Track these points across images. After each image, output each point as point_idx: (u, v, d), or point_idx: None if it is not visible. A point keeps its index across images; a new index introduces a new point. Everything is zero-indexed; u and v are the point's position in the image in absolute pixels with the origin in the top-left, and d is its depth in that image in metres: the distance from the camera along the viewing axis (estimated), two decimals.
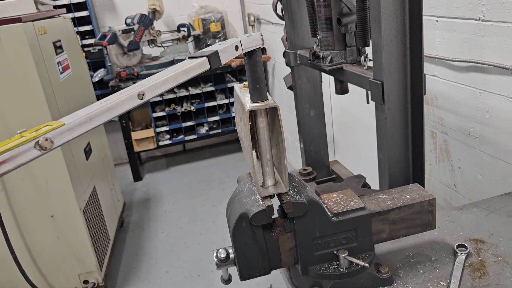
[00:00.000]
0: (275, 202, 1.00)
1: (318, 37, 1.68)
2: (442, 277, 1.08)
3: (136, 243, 3.54)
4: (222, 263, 1.04)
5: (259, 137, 0.98)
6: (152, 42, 4.41)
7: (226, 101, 4.68)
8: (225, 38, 4.81)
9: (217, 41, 4.75)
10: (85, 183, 2.82)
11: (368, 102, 1.59)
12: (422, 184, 1.44)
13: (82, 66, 3.31)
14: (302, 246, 1.04)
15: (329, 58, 1.62)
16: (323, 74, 1.91)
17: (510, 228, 1.24)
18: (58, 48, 2.76)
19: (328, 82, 2.98)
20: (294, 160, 4.37)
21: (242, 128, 1.04)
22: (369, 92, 1.56)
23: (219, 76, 4.62)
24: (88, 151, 2.98)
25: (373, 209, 1.09)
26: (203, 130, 4.76)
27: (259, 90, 0.95)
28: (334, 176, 2.24)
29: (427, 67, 2.07)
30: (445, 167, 2.12)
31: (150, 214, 3.97)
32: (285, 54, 2.09)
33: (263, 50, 4.58)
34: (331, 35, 1.62)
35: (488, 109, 1.79)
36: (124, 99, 0.75)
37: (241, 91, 1.07)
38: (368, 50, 1.57)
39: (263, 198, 0.99)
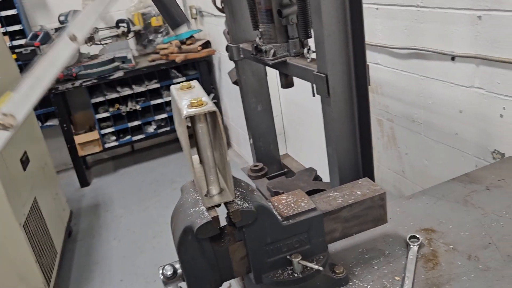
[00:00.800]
0: (222, 211, 0.94)
1: (260, 30, 1.63)
2: (397, 271, 1.06)
3: (86, 252, 3.37)
4: (169, 280, 0.97)
5: (200, 144, 0.92)
6: (90, 40, 4.19)
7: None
8: (168, 33, 4.66)
9: (159, 36, 4.59)
10: (24, 196, 2.63)
11: (314, 95, 1.56)
12: (372, 176, 1.43)
13: (11, 70, 3.08)
14: (254, 254, 0.99)
15: (272, 51, 1.57)
16: (268, 67, 1.86)
17: (458, 214, 1.25)
18: None
19: (274, 74, 2.95)
20: (248, 155, 4.32)
21: (181, 133, 0.96)
22: (314, 86, 1.53)
23: (164, 73, 4.48)
24: (25, 161, 2.78)
25: (325, 208, 1.05)
26: (150, 129, 4.61)
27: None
28: (285, 170, 2.20)
29: (370, 55, 2.07)
30: (393, 154, 2.15)
31: (100, 221, 3.80)
32: (227, 48, 2.02)
33: (208, 44, 4.48)
34: (272, 27, 1.56)
35: (430, 95, 1.81)
36: (60, 46, 0.68)
37: (178, 93, 1.00)
38: (311, 42, 1.54)
39: (208, 208, 0.92)
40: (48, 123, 4.42)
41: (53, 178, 3.43)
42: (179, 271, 0.97)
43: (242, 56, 1.95)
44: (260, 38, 1.65)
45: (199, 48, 4.30)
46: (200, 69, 4.55)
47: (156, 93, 4.51)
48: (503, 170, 1.42)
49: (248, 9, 1.73)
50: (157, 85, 4.43)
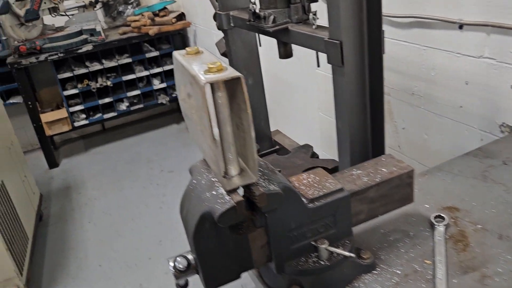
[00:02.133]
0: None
1: None
2: (425, 254, 0.98)
3: (59, 237, 3.19)
4: (182, 273, 0.85)
5: (219, 117, 0.79)
6: (54, 10, 3.89)
7: (146, 73, 4.31)
8: (138, 4, 4.40)
9: (129, 7, 4.33)
10: None
11: (318, 65, 1.44)
12: (383, 151, 1.34)
13: None
14: (276, 241, 0.88)
15: (272, 17, 1.44)
16: (263, 36, 1.72)
17: (479, 190, 1.18)
18: None
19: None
20: None
21: (194, 106, 0.83)
22: (319, 54, 1.41)
23: (135, 46, 4.22)
24: None
25: (351, 188, 0.95)
26: (123, 106, 4.38)
27: None
28: (277, 147, 2.10)
29: None
30: (389, 129, 2.07)
31: (73, 204, 3.60)
32: (216, 16, 1.86)
33: (182, 16, 4.26)
34: None
35: (433, 67, 1.73)
36: None
37: (186, 59, 0.86)
38: (314, 7, 1.41)
39: (229, 192, 0.80)
40: (11, 101, 4.12)
41: (21, 159, 3.19)
42: (193, 263, 0.86)
43: (232, 24, 1.80)
44: (253, 4, 1.51)
45: (174, 20, 4.07)
46: (175, 43, 4.33)
47: (128, 68, 4.27)
48: None
49: None
50: (129, 60, 4.19)
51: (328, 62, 1.22)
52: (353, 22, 1.17)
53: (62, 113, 4.11)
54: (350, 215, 0.94)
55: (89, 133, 4.82)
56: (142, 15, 4.08)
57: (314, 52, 1.37)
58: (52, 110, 4.15)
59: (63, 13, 3.98)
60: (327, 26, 1.24)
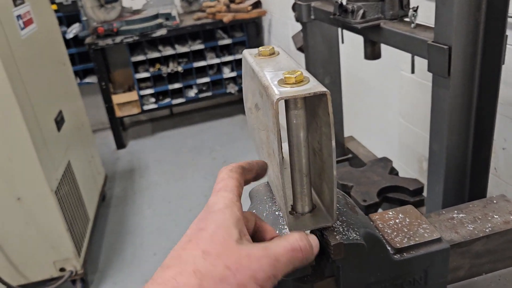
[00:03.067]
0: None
1: None
2: None
3: (119, 220, 3.21)
4: None
5: (291, 140, 0.62)
6: None
7: (217, 60, 4.23)
8: None
9: None
10: (57, 159, 2.44)
11: (413, 72, 1.22)
12: (485, 186, 1.11)
13: (50, 21, 2.84)
14: None
15: (361, 12, 1.23)
16: (347, 32, 1.51)
17: None
18: None
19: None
20: None
21: (262, 121, 0.66)
22: (414, 59, 1.19)
23: (208, 33, 4.15)
24: (60, 121, 2.58)
25: (450, 238, 0.75)
26: (191, 93, 4.34)
27: None
28: (350, 155, 1.89)
29: None
30: None
31: (135, 187, 3.62)
32: (295, 7, 1.68)
33: (258, 4, 4.10)
34: None
35: None
36: None
37: (257, 62, 0.69)
38: (414, 2, 1.19)
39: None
40: (86, 80, 4.22)
41: (90, 139, 3.24)
42: None
43: (313, 17, 1.61)
44: None
45: (249, 7, 3.93)
46: (248, 31, 4.20)
47: (199, 55, 4.22)
48: None
49: None
50: (201, 46, 4.12)
51: (429, 70, 1.00)
52: (467, 23, 0.94)
53: (132, 95, 4.15)
54: (446, 271, 0.74)
55: (158, 117, 4.86)
56: (218, 1, 3.99)
57: (398, 50, 1.16)
58: (123, 92, 4.21)
59: None
60: (430, 26, 1.02)
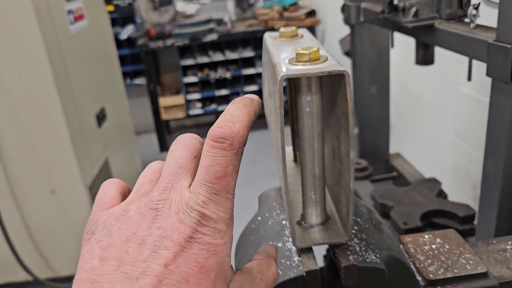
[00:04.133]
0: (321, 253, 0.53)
1: None
2: None
3: None
4: None
5: (302, 132, 0.51)
6: None
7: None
8: None
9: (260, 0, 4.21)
10: (95, 155, 2.44)
11: (469, 79, 1.07)
12: None
13: (103, 19, 2.89)
14: None
15: (413, 10, 1.10)
16: (398, 34, 1.38)
17: None
18: None
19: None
20: None
21: (272, 110, 0.56)
22: (472, 63, 1.04)
23: (260, 40, 4.09)
24: (101, 117, 2.59)
25: (500, 274, 0.60)
26: None
27: None
28: (394, 173, 1.73)
29: None
30: None
31: None
32: (344, 8, 1.56)
33: (313, 12, 4.01)
34: None
35: None
36: None
37: (276, 44, 0.59)
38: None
39: (301, 250, 0.52)
40: (135, 81, 4.29)
41: (131, 139, 3.25)
42: None
43: (362, 19, 1.49)
44: None
45: (303, 16, 3.84)
46: None
47: (249, 62, 4.17)
48: None
49: None
50: (251, 54, 4.08)
51: (488, 75, 0.85)
52: None
53: (179, 99, 4.16)
54: None
55: (203, 123, 4.85)
56: (272, 8, 3.93)
57: (456, 63, 1.01)
58: (171, 95, 4.23)
59: (195, 1, 4.01)
60: (492, 26, 0.88)
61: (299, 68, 0.45)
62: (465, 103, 1.96)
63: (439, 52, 1.27)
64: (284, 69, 0.45)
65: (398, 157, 1.78)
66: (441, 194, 1.41)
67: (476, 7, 0.97)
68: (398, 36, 1.50)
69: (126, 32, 3.94)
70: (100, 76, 2.71)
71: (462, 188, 2.03)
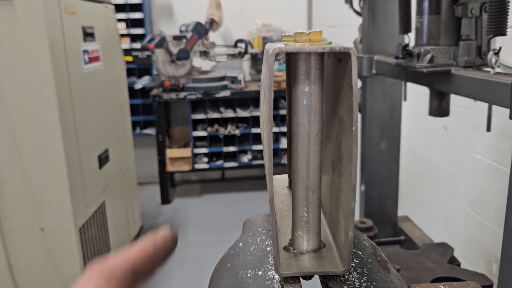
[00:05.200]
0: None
1: (416, 26, 1.12)
2: None
3: None
4: None
5: (296, 132, 0.43)
6: (205, 54, 4.02)
7: (276, 129, 4.14)
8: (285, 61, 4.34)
9: (276, 63, 4.28)
10: (91, 196, 2.35)
11: (488, 130, 0.99)
12: None
13: (118, 65, 2.93)
14: None
15: (429, 56, 1.05)
16: (411, 85, 1.33)
17: None
18: (88, 35, 2.38)
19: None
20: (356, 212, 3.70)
21: (262, 114, 0.49)
22: (491, 112, 0.97)
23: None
24: (103, 159, 2.53)
25: None
26: (245, 158, 4.24)
27: None
28: (402, 237, 1.61)
29: None
30: None
31: None
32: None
33: None
34: (436, 20, 1.05)
35: None
36: None
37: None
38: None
39: (285, 280, 0.42)
40: (145, 131, 4.29)
41: (133, 187, 3.17)
42: None
43: (374, 71, 1.45)
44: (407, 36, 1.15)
45: None
46: None
47: (258, 121, 4.15)
48: None
49: (393, 10, 1.25)
50: None
51: (511, 118, 0.77)
52: None
53: (186, 152, 4.12)
54: None
55: (208, 178, 4.77)
56: None
57: (471, 128, 0.94)
58: (178, 147, 4.19)
59: (212, 58, 4.09)
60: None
61: (295, 45, 0.37)
62: (479, 171, 1.87)
63: (453, 119, 1.21)
64: (276, 45, 0.38)
65: (407, 221, 1.67)
66: (454, 261, 1.28)
67: (497, 53, 0.91)
68: (410, 90, 1.45)
69: (141, 82, 3.99)
70: (108, 119, 2.69)
71: (475, 260, 1.88)
